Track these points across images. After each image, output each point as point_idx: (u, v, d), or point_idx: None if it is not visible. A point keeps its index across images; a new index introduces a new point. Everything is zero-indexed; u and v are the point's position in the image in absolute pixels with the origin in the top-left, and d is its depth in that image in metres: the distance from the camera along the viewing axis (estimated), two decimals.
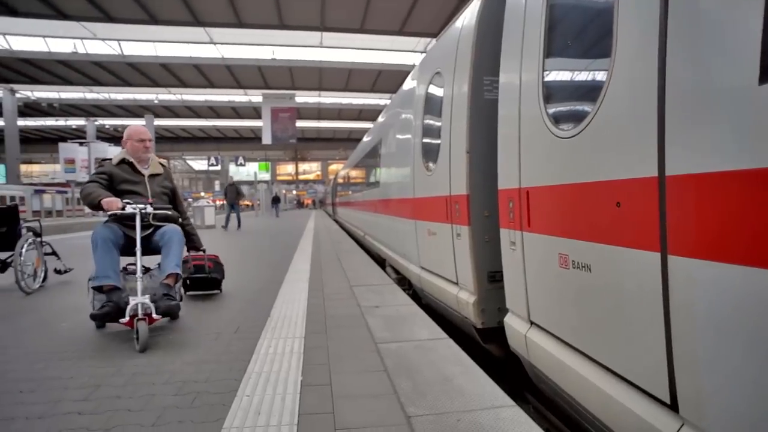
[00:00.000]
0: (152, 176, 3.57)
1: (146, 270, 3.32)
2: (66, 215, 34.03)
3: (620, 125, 1.69)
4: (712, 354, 1.31)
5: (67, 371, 2.49)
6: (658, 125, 1.48)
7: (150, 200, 3.40)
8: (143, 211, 3.19)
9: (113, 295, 3.07)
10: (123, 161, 3.51)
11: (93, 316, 3.03)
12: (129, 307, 2.93)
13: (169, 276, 3.25)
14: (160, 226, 3.39)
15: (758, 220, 1.14)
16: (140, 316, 2.88)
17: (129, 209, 3.17)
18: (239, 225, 15.52)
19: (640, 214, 1.57)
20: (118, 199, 3.18)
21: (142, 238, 3.16)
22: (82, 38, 23.06)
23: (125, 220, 3.25)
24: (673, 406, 1.48)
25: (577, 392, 2.06)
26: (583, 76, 2.11)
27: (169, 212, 3.41)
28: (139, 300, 2.93)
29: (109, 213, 3.16)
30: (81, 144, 37.50)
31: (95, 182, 3.31)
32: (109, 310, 3.01)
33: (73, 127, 42.06)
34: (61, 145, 38.06)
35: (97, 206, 3.18)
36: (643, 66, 1.55)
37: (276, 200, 28.72)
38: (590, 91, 1.91)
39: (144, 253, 3.17)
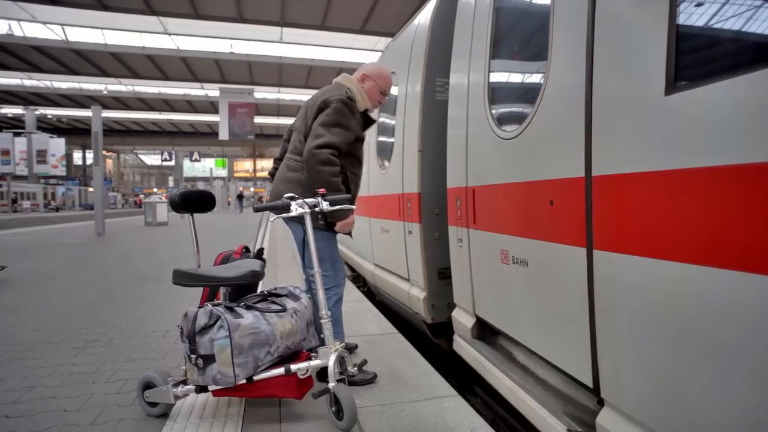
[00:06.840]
0: None
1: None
2: None
3: (555, 129, 1.80)
4: (628, 341, 1.43)
5: None
6: (585, 129, 1.59)
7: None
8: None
9: None
10: (363, 112, 2.40)
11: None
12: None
13: None
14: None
15: (666, 217, 1.26)
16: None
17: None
18: None
19: (570, 212, 1.68)
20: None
21: None
22: (18, 20, 21.41)
23: None
24: (595, 390, 1.60)
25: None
26: (524, 80, 2.22)
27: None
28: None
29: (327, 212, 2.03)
30: (18, 134, 35.05)
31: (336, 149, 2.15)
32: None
33: (9, 115, 39.14)
34: None
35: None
36: (574, 76, 1.66)
37: (240, 197, 34.26)
38: (530, 96, 2.01)
39: None
